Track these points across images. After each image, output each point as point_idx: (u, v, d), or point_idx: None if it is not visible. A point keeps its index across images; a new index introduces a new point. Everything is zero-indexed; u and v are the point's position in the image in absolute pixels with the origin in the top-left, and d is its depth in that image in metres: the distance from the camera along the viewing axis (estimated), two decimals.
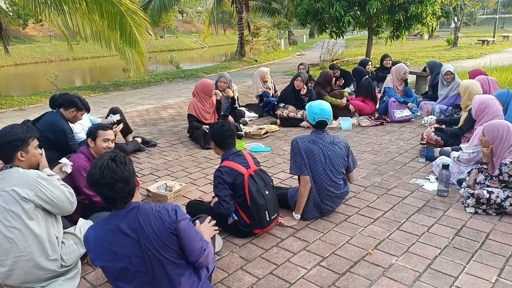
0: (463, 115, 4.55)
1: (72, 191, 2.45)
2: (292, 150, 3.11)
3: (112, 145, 3.11)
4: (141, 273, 1.85)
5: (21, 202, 2.18)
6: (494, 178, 3.11)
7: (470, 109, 4.33)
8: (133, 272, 1.84)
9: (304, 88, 6.14)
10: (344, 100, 6.22)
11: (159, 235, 1.81)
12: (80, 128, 4.44)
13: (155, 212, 1.85)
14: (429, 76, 7.00)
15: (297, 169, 3.06)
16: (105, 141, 3.03)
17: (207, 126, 5.22)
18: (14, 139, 2.26)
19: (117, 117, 4.84)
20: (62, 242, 2.38)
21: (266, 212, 2.82)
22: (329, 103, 5.99)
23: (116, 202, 1.81)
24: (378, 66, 8.28)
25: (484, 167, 3.29)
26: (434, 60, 7.18)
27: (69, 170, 2.80)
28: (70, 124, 4.15)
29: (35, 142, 2.39)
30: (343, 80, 7.28)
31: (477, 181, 3.28)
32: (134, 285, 1.87)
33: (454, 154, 3.80)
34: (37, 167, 2.45)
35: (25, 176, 2.25)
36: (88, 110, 4.18)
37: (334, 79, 6.70)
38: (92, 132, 3.03)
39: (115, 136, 4.72)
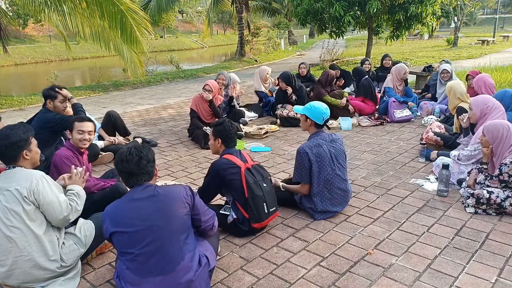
0: (455, 116, 4.55)
1: (76, 207, 2.41)
2: (298, 159, 3.12)
3: (91, 137, 3.11)
4: (150, 238, 2.01)
5: (22, 203, 2.19)
6: (494, 178, 3.11)
7: (457, 110, 4.32)
8: (142, 236, 2.01)
9: (288, 88, 6.11)
10: (343, 100, 6.22)
11: (175, 203, 2.09)
12: None
13: (172, 187, 2.19)
14: (431, 76, 7.02)
15: (299, 178, 3.14)
16: (80, 132, 3.05)
17: (208, 128, 5.21)
18: (18, 140, 2.29)
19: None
20: (62, 242, 2.37)
21: (264, 203, 2.83)
22: (329, 103, 6.11)
23: (138, 178, 2.09)
24: (378, 66, 8.29)
25: (484, 167, 3.29)
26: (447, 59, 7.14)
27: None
28: None
29: (35, 141, 2.43)
30: (343, 80, 7.28)
31: (477, 181, 3.28)
32: (142, 250, 2.01)
33: (454, 153, 3.79)
34: (37, 165, 2.47)
35: (29, 175, 2.27)
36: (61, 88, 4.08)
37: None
38: (70, 124, 3.10)
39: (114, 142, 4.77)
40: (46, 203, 2.25)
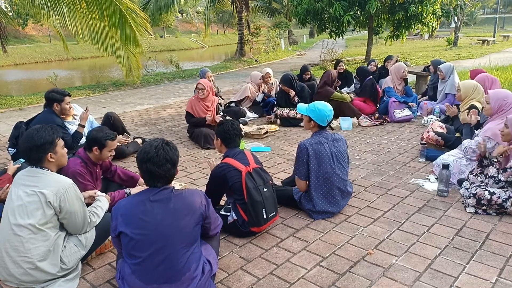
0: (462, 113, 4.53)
1: (95, 222, 2.49)
2: (298, 153, 3.16)
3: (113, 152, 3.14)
4: (160, 244, 1.96)
5: (44, 206, 2.19)
6: (508, 170, 3.01)
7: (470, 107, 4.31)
8: (152, 241, 1.96)
9: (290, 91, 6.11)
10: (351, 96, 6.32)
11: (190, 213, 2.04)
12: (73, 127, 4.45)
13: (189, 195, 2.11)
14: (429, 76, 7.00)
15: (298, 173, 3.17)
16: (111, 150, 3.04)
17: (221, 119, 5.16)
18: (43, 143, 2.28)
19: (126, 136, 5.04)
20: (64, 246, 2.37)
21: (263, 209, 2.82)
22: (337, 100, 6.07)
23: (158, 180, 2.03)
24: (380, 66, 8.30)
25: (494, 160, 3.21)
26: (439, 59, 7.09)
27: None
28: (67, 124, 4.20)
29: (61, 142, 2.40)
30: (339, 82, 7.27)
31: (489, 175, 3.19)
32: (150, 256, 1.96)
33: (465, 144, 3.77)
34: (63, 167, 2.49)
35: (58, 181, 2.27)
36: (68, 95, 4.16)
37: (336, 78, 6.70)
38: (100, 141, 2.95)
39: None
40: (69, 212, 2.27)
